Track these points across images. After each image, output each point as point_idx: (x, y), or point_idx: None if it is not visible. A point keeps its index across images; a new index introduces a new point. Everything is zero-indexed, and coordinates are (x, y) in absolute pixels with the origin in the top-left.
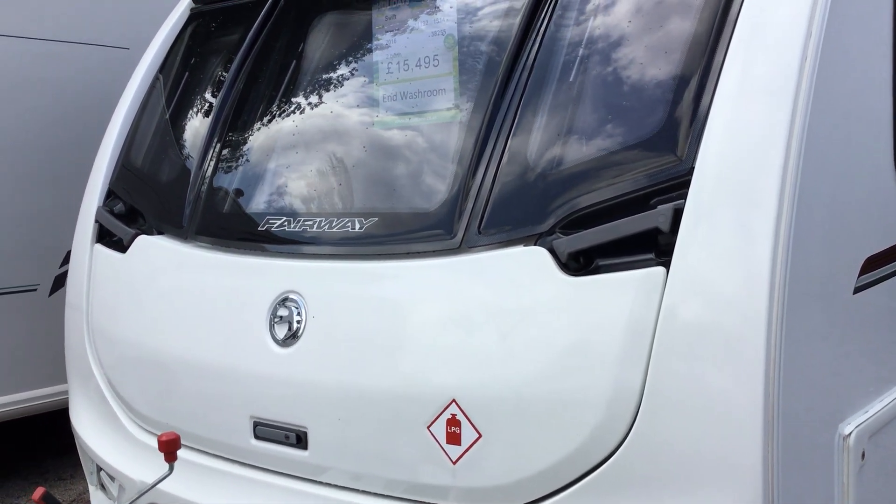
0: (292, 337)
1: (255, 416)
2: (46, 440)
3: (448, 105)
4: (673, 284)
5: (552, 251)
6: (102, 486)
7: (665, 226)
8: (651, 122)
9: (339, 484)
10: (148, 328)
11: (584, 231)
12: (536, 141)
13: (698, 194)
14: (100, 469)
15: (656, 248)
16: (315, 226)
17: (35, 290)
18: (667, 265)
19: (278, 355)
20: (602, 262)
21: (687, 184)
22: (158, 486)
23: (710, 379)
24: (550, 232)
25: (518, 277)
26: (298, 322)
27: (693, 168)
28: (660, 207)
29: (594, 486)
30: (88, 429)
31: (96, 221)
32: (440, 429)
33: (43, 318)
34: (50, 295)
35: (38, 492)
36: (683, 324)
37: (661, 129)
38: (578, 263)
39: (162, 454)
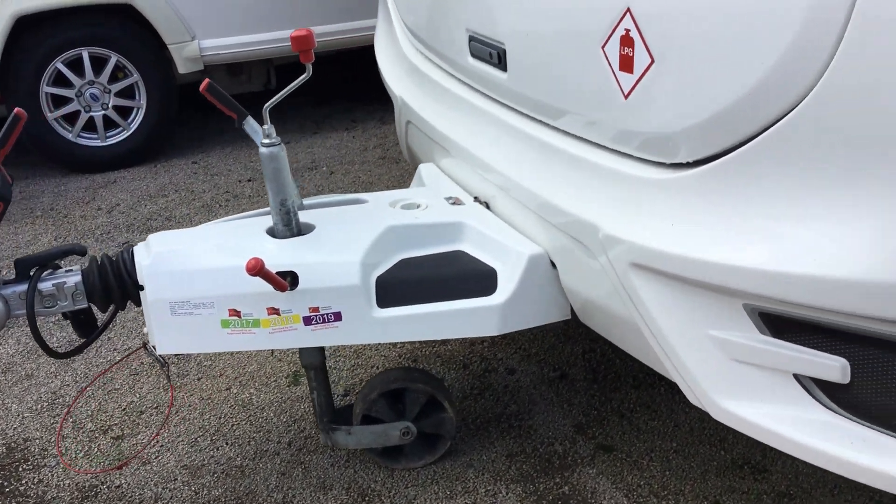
0: None
1: (470, 30)
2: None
3: None
4: None
5: None
6: None
7: None
8: None
9: (528, 113)
10: None
11: None
12: None
13: None
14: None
15: None
16: None
17: None
18: None
19: None
20: None
21: None
22: (402, 100)
23: None
24: None
25: None
26: None
27: None
28: None
29: (779, 138)
30: (383, 54)
31: None
32: (614, 49)
33: None
34: None
35: (204, 83)
36: None
37: None
38: None
39: None
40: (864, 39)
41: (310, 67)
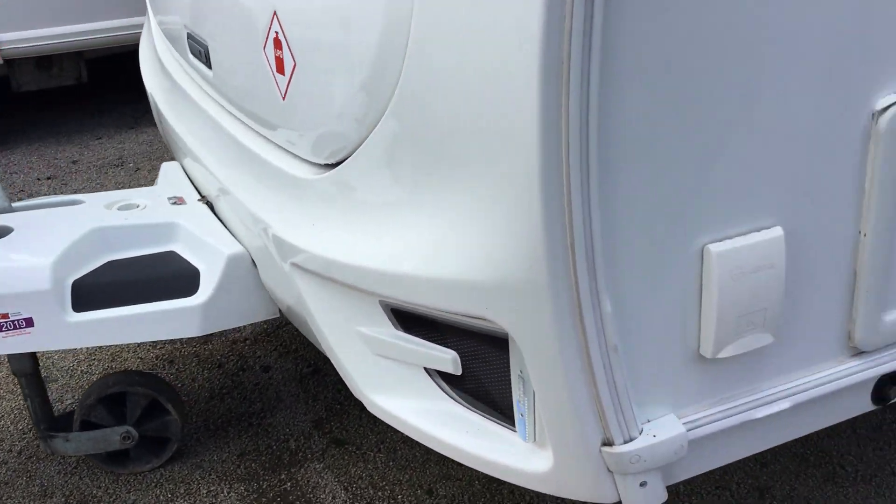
0: None
1: (187, 27)
2: None
3: None
4: None
5: None
6: None
7: None
8: None
9: (230, 111)
10: None
11: None
12: None
13: None
14: None
15: None
16: None
17: None
18: None
19: None
20: None
21: None
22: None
23: None
24: None
25: None
26: None
27: None
28: None
29: (375, 146)
30: (143, 51)
31: None
32: (270, 51)
33: None
34: None
35: None
36: None
37: None
38: None
39: None
40: (418, 67)
41: None
